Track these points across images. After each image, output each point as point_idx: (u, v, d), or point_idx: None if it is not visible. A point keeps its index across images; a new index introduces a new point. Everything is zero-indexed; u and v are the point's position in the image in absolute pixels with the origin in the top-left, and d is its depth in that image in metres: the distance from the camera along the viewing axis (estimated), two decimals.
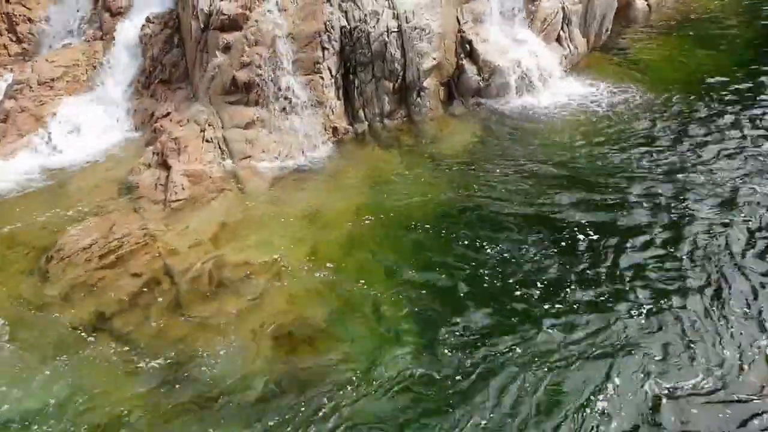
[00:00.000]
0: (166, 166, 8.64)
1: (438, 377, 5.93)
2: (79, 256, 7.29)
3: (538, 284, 6.88)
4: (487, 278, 7.00)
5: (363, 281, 7.07)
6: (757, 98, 10.22)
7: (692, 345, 6.08)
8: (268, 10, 9.47)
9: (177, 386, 5.95)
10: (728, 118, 9.71)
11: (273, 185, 8.68)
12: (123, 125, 9.80)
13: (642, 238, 7.45)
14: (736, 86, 10.59)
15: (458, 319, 6.52)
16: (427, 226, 7.83)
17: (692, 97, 10.35)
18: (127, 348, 6.31)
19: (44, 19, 10.82)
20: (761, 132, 9.35)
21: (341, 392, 5.82)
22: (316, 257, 7.40)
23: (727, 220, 7.61)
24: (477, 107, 10.30)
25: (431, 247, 7.53)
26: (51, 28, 10.73)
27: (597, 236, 7.49)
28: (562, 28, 11.42)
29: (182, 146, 8.82)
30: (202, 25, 9.51)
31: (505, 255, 7.28)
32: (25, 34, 10.80)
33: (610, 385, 5.72)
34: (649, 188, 8.29)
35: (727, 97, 10.28)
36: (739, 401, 5.55)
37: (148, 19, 10.20)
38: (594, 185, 8.40)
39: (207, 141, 9.00)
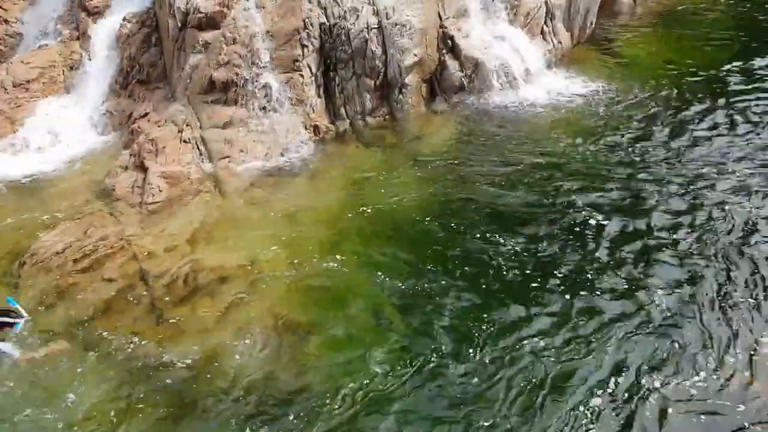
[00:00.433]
0: (143, 167, 8.50)
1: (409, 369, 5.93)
2: (52, 261, 7.16)
3: (517, 278, 6.87)
4: (468, 272, 6.95)
5: (344, 281, 6.97)
6: (740, 89, 10.17)
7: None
8: (246, 8, 9.33)
9: (150, 391, 5.83)
10: (712, 109, 9.67)
11: (252, 185, 8.56)
12: (100, 127, 9.65)
13: (627, 231, 7.41)
14: (720, 78, 10.54)
15: (443, 312, 6.51)
16: (410, 223, 7.75)
17: (677, 90, 10.29)
18: (98, 353, 6.17)
19: (20, 20, 10.61)
20: (744, 120, 9.34)
21: (323, 400, 5.71)
22: (296, 258, 7.29)
23: (718, 212, 7.59)
24: (459, 103, 10.17)
25: (414, 243, 7.45)
26: (26, 29, 10.53)
27: (579, 229, 7.46)
28: (545, 23, 11.31)
29: (160, 147, 8.68)
30: (179, 24, 9.37)
31: (488, 249, 7.22)
32: (0, 36, 10.60)
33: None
34: (632, 180, 8.24)
35: (710, 89, 10.22)
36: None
37: (125, 19, 10.04)
38: (578, 179, 8.32)
39: (185, 141, 8.86)
